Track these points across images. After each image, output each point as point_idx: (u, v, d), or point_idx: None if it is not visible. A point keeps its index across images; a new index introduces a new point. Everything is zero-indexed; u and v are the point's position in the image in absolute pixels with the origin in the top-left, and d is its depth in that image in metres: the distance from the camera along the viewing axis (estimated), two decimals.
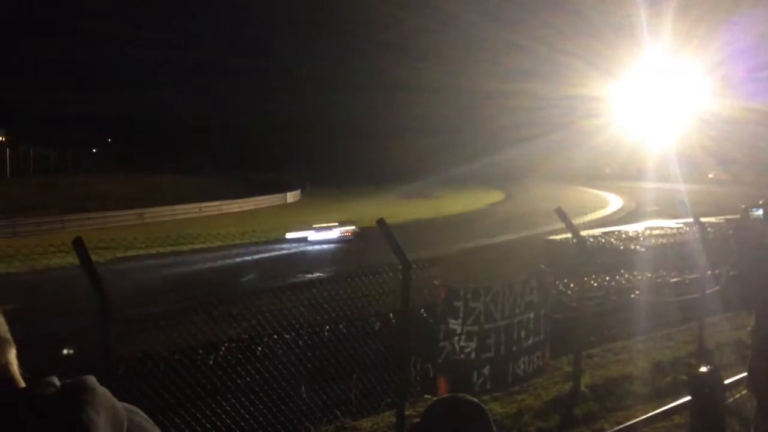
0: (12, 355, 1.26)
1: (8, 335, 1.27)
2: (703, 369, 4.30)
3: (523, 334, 7.58)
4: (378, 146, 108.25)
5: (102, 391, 1.20)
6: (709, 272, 11.02)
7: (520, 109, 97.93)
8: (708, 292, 10.54)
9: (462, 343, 6.97)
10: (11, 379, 1.23)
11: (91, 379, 1.21)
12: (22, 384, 1.24)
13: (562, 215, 8.50)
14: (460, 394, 2.00)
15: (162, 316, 8.48)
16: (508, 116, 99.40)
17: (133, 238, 11.62)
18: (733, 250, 12.26)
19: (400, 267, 6.78)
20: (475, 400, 1.96)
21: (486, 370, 7.18)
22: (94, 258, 5.26)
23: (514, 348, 7.48)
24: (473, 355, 7.06)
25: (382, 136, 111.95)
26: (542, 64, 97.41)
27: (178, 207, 47.55)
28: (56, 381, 1.20)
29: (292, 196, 63.55)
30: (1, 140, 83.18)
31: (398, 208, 48.39)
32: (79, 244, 5.13)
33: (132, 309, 8.66)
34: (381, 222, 6.96)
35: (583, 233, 10.85)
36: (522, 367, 7.61)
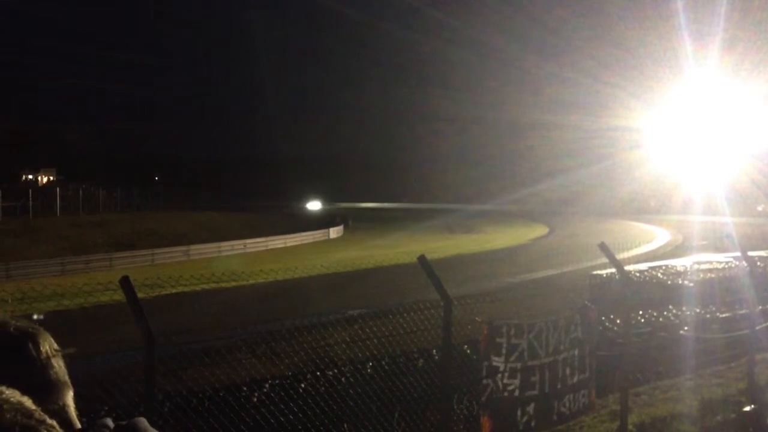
0: (70, 398, 1.32)
1: (67, 378, 1.33)
2: (747, 408, 4.22)
3: (568, 371, 7.46)
4: (419, 177, 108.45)
5: None
6: (760, 307, 10.77)
7: (562, 141, 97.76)
8: (758, 327, 10.29)
9: (505, 381, 6.89)
10: (69, 421, 1.29)
11: (143, 422, 1.26)
12: (79, 425, 1.30)
13: (606, 250, 8.41)
14: None
15: (206, 353, 8.55)
16: (550, 147, 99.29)
17: (179, 276, 11.79)
18: None
19: (442, 303, 6.76)
20: None
21: (531, 408, 7.08)
22: (140, 295, 5.36)
23: (559, 386, 7.36)
24: (517, 393, 6.97)
25: (423, 167, 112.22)
26: (585, 96, 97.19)
27: (223, 243, 48.18)
28: (110, 423, 1.25)
29: (335, 232, 63.99)
30: (52, 179, 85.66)
31: (441, 243, 48.32)
32: (125, 283, 5.24)
33: (176, 346, 8.76)
34: (422, 258, 6.98)
35: (629, 268, 10.69)
36: (567, 405, 7.48)
